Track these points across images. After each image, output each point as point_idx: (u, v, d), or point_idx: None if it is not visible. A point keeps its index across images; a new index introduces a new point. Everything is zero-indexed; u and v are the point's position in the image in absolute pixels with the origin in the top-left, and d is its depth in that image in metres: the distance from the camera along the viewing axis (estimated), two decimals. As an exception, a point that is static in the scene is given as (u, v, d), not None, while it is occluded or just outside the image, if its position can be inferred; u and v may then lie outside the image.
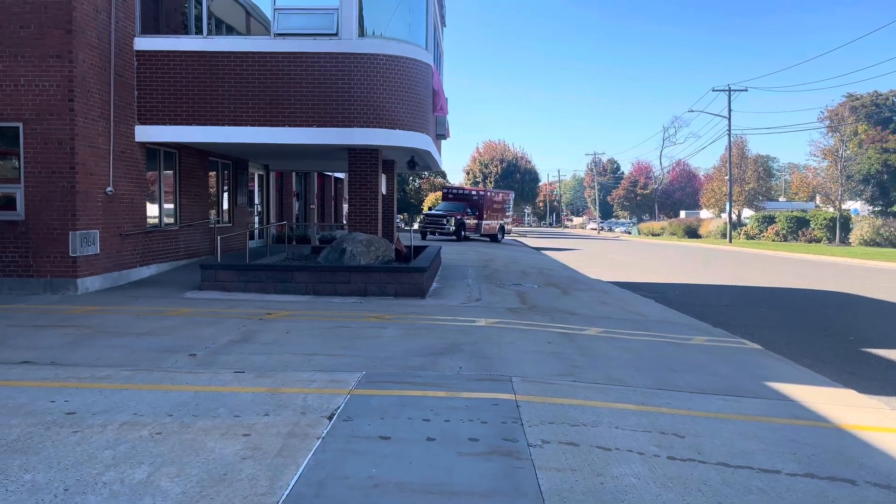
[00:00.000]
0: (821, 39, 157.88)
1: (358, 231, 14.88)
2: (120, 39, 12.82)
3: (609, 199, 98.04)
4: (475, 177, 63.73)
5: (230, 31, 16.61)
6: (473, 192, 41.15)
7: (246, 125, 13.40)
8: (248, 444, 4.61)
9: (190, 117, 13.47)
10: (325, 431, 4.90)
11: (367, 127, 13.45)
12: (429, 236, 35.90)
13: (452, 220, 36.54)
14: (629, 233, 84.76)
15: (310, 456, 4.42)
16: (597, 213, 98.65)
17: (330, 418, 5.21)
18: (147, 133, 13.48)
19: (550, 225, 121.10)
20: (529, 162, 66.58)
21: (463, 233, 36.69)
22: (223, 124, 13.43)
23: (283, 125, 13.40)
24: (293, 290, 12.29)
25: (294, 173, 28.28)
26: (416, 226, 50.04)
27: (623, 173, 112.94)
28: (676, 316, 12.07)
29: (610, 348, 8.55)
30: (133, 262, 13.48)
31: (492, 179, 62.00)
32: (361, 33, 13.52)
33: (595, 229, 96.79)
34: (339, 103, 13.37)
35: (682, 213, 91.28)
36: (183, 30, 15.70)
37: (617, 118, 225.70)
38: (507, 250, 29.97)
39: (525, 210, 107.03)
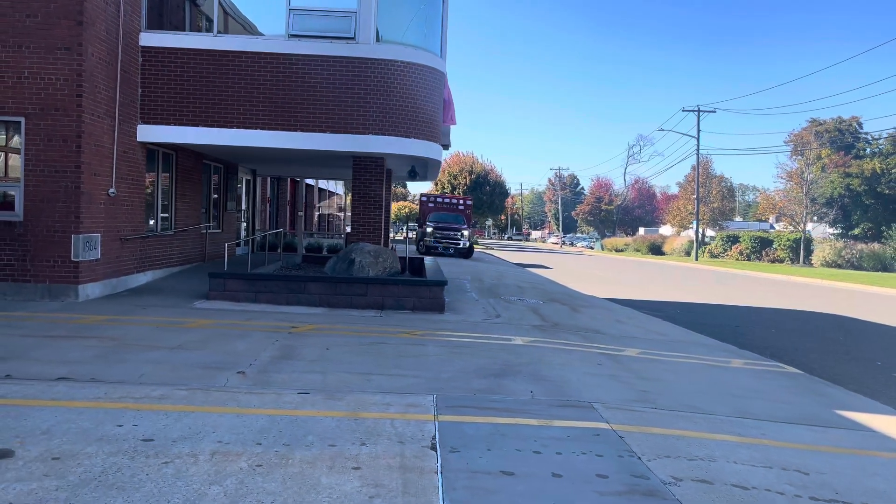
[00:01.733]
0: (788, 67, 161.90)
1: (362, 241, 14.43)
2: (126, 34, 12.19)
3: (574, 213, 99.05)
4: (444, 188, 63.48)
5: (210, 30, 15.97)
6: (459, 201, 37.53)
7: (257, 128, 12.87)
8: (366, 480, 4.20)
9: (197, 118, 12.88)
10: (438, 465, 4.52)
11: (384, 135, 13.05)
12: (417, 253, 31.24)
13: (465, 235, 32.05)
14: (591, 248, 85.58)
15: (442, 495, 4.04)
16: (559, 228, 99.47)
17: (433, 448, 4.83)
18: (151, 133, 12.84)
19: (510, 238, 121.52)
20: (499, 175, 66.78)
21: (474, 249, 32.13)
22: (232, 126, 12.87)
23: (296, 129, 12.91)
24: (306, 301, 11.78)
25: (268, 178, 27.48)
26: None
27: (583, 188, 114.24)
28: (697, 337, 11.94)
29: (661, 371, 8.33)
30: (131, 268, 12.79)
31: (460, 191, 61.82)
32: (378, 39, 13.14)
33: (556, 243, 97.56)
34: (355, 109, 12.95)
35: (641, 230, 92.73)
36: (184, 26, 15.10)
37: (580, 135, 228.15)
38: (485, 265, 29.71)
39: (487, 223, 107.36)
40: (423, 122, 13.64)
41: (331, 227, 46.45)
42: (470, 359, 8.09)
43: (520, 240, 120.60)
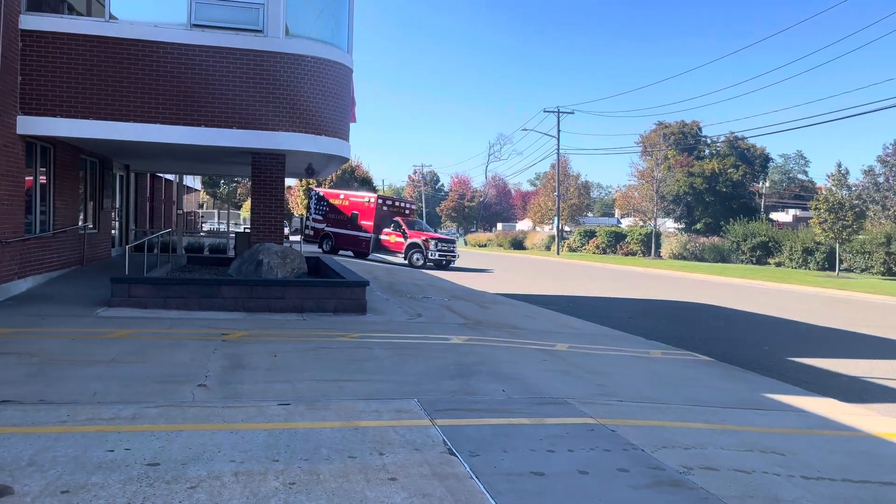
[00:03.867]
0: (646, 64, 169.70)
1: (263, 241, 13.94)
2: (6, 15, 11.02)
3: (438, 209, 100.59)
4: (308, 183, 62.14)
5: (71, 11, 14.74)
6: (406, 205, 36.25)
7: (157, 122, 12.05)
8: (410, 491, 4.15)
9: (88, 110, 11.86)
10: (468, 470, 4.54)
11: (294, 132, 12.68)
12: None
13: (457, 247, 33.23)
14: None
15: (492, 500, 4.08)
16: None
17: (451, 454, 4.84)
18: (35, 125, 11.68)
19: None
20: (366, 171, 66.35)
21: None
22: (130, 120, 11.98)
23: (201, 125, 12.24)
24: (220, 306, 11.23)
25: (132, 174, 25.67)
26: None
27: (443, 185, 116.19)
28: (605, 329, 12.62)
29: (601, 364, 8.77)
30: (11, 274, 11.60)
31: (326, 186, 60.78)
32: (287, 33, 12.74)
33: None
34: (264, 105, 12.48)
35: (499, 226, 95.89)
36: (62, 10, 13.87)
37: (438, 132, 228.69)
38: (370, 263, 29.62)
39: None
40: (334, 119, 13.39)
41: (190, 224, 44.24)
42: (423, 360, 8.11)
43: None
